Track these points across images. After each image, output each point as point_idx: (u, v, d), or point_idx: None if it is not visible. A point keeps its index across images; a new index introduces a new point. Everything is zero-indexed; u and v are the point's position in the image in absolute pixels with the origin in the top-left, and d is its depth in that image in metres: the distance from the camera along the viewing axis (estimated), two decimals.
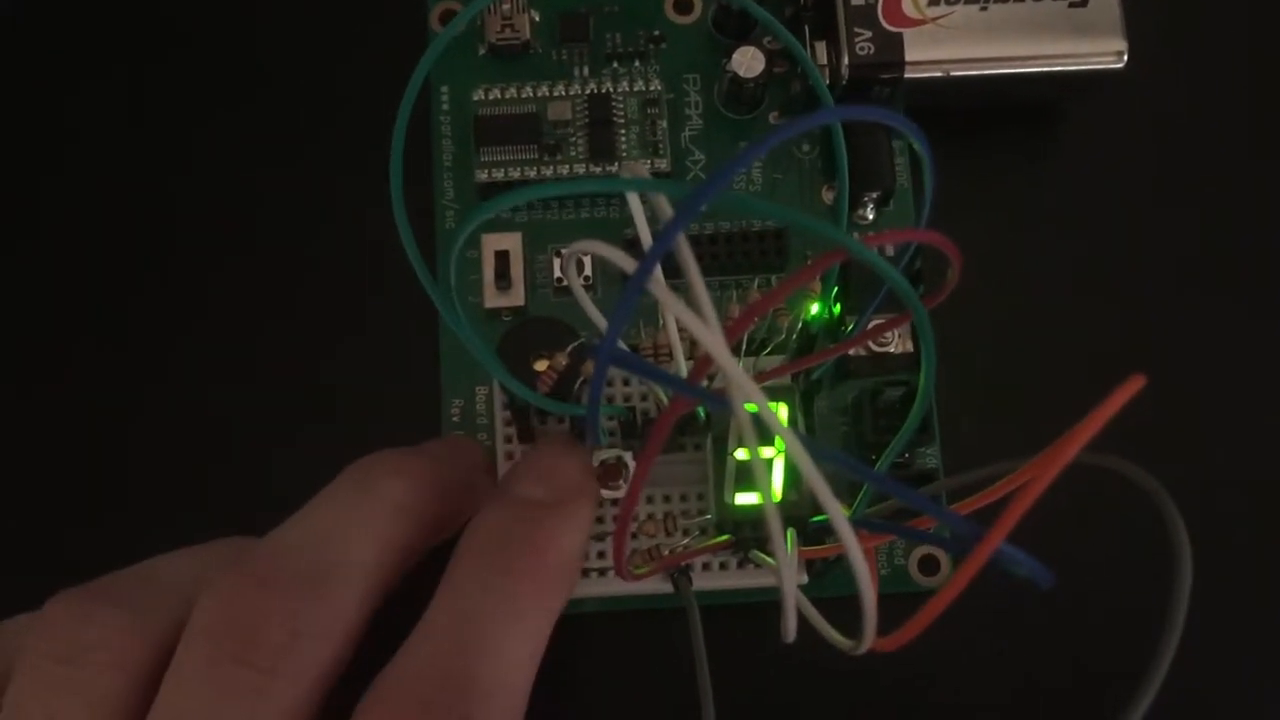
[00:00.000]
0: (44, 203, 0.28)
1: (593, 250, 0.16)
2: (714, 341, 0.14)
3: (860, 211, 0.27)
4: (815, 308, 0.26)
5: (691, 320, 0.14)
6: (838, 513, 0.14)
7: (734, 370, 0.14)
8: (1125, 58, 0.26)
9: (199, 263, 0.28)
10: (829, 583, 0.26)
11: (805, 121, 0.15)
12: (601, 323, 0.21)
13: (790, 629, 0.17)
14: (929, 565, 0.26)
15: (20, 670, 0.18)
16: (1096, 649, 0.26)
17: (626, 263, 0.15)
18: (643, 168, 0.16)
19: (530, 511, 0.19)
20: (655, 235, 0.15)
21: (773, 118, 0.28)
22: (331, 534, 0.18)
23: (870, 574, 0.20)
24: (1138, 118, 0.28)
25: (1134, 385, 0.15)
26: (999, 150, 0.28)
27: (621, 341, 0.16)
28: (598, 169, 0.26)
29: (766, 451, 0.24)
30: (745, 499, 0.24)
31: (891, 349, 0.26)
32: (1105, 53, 0.26)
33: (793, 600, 0.16)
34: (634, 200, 0.19)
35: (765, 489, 0.14)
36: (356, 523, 0.19)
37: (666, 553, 0.23)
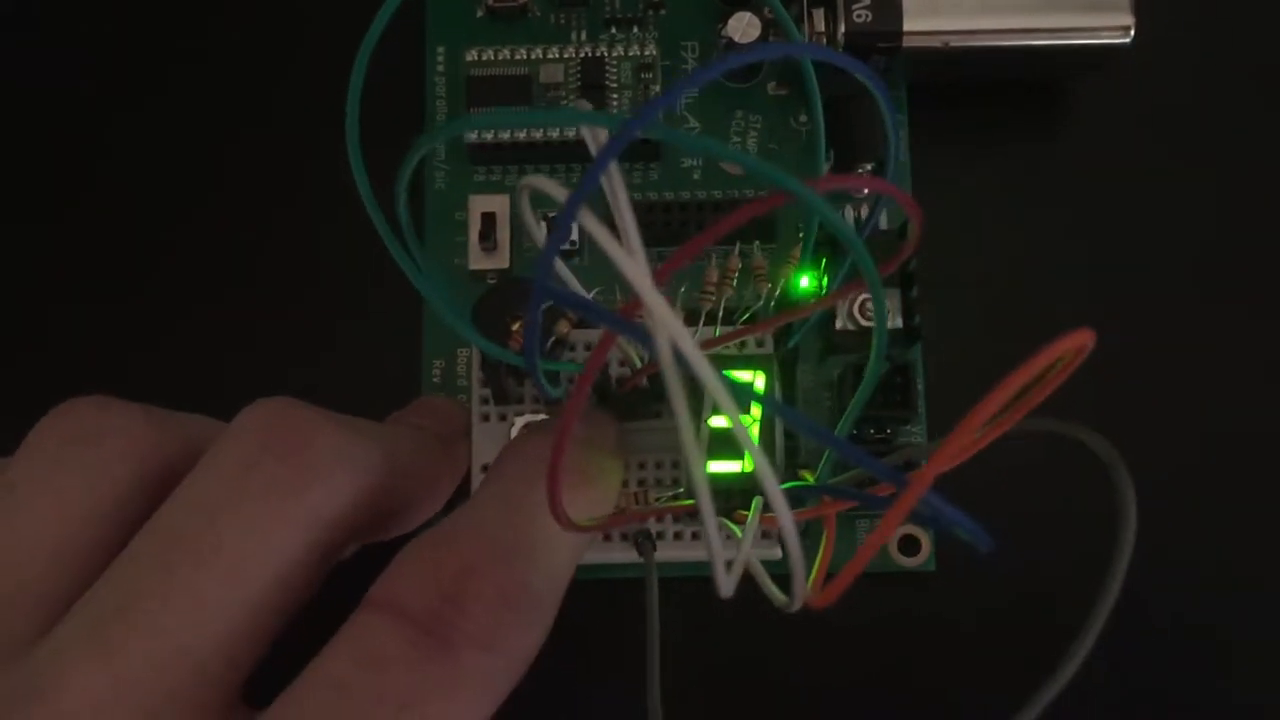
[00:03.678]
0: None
1: (533, 185, 0.15)
2: (635, 270, 0.14)
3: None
4: (805, 280, 0.25)
5: (614, 248, 0.14)
6: (765, 465, 0.14)
7: (655, 301, 0.13)
8: (1132, 33, 0.25)
9: (177, 214, 0.28)
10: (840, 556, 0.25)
11: (749, 54, 0.14)
12: (567, 279, 0.21)
13: (722, 585, 0.16)
14: (910, 546, 0.26)
15: (26, 446, 0.17)
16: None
17: (559, 193, 0.15)
18: (586, 104, 0.16)
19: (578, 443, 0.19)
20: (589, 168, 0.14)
21: (771, 88, 0.28)
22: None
23: (828, 540, 0.20)
24: (1147, 96, 0.28)
25: (1078, 339, 0.14)
26: (1002, 127, 0.28)
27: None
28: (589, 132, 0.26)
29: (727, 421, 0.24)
30: (720, 467, 0.24)
31: None
32: (1112, 27, 0.25)
33: (719, 559, 0.15)
34: (589, 137, 0.19)
35: (690, 452, 0.14)
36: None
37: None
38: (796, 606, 0.16)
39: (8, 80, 0.28)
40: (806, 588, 0.15)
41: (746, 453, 0.23)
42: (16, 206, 0.28)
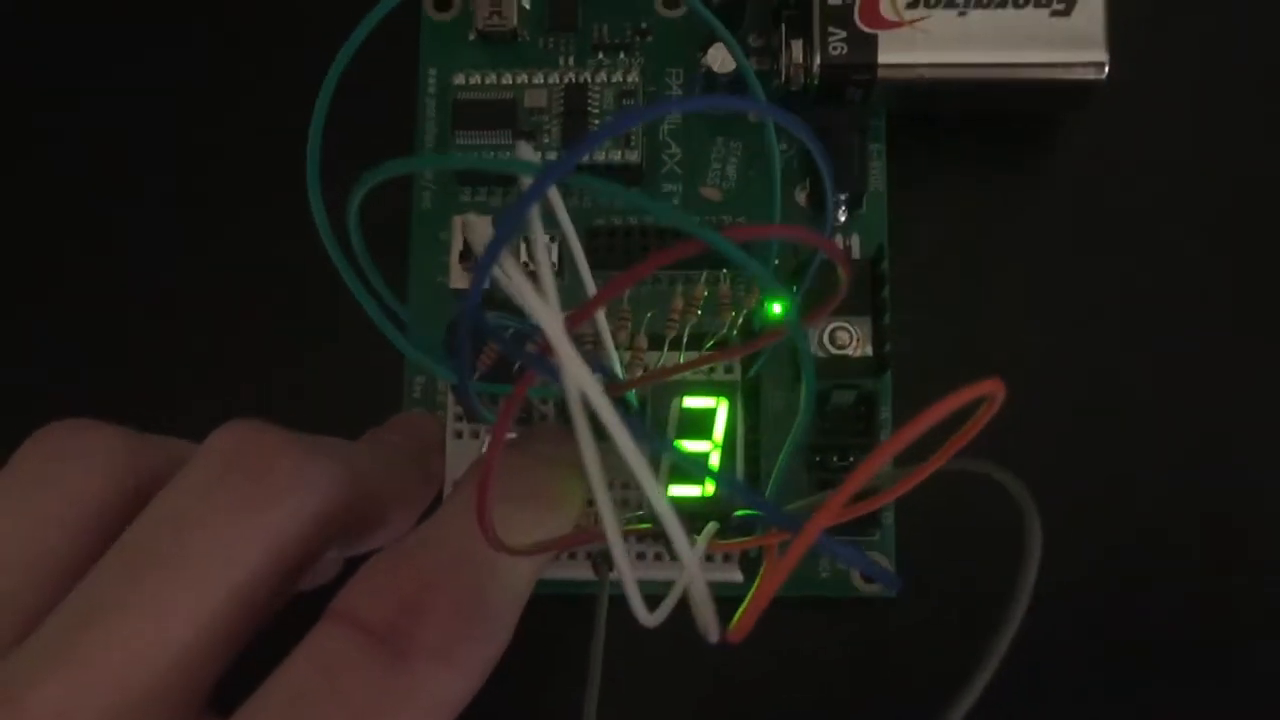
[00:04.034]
0: None
1: (465, 222, 0.16)
2: (547, 317, 0.14)
3: (833, 212, 0.27)
4: (778, 308, 0.26)
5: (527, 293, 0.14)
6: (658, 497, 0.14)
7: (565, 350, 0.14)
8: (1106, 70, 0.25)
9: (163, 222, 0.29)
10: (801, 582, 0.25)
11: (668, 105, 0.15)
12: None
13: (641, 614, 0.17)
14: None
15: (9, 465, 0.18)
16: None
17: (483, 236, 0.15)
18: (528, 149, 0.17)
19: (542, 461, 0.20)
20: (511, 212, 0.15)
21: (753, 115, 0.28)
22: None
23: (765, 571, 0.20)
24: (1126, 130, 0.28)
25: (984, 389, 0.15)
26: (982, 158, 0.28)
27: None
28: None
29: (705, 446, 0.25)
30: (681, 491, 0.25)
31: (849, 352, 0.26)
32: (1085, 63, 0.25)
33: (632, 586, 0.16)
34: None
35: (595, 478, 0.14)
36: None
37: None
38: (711, 639, 0.16)
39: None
40: (711, 620, 0.16)
41: (707, 478, 0.24)
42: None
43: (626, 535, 0.24)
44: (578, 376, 0.14)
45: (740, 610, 0.18)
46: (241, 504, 0.17)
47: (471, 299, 0.15)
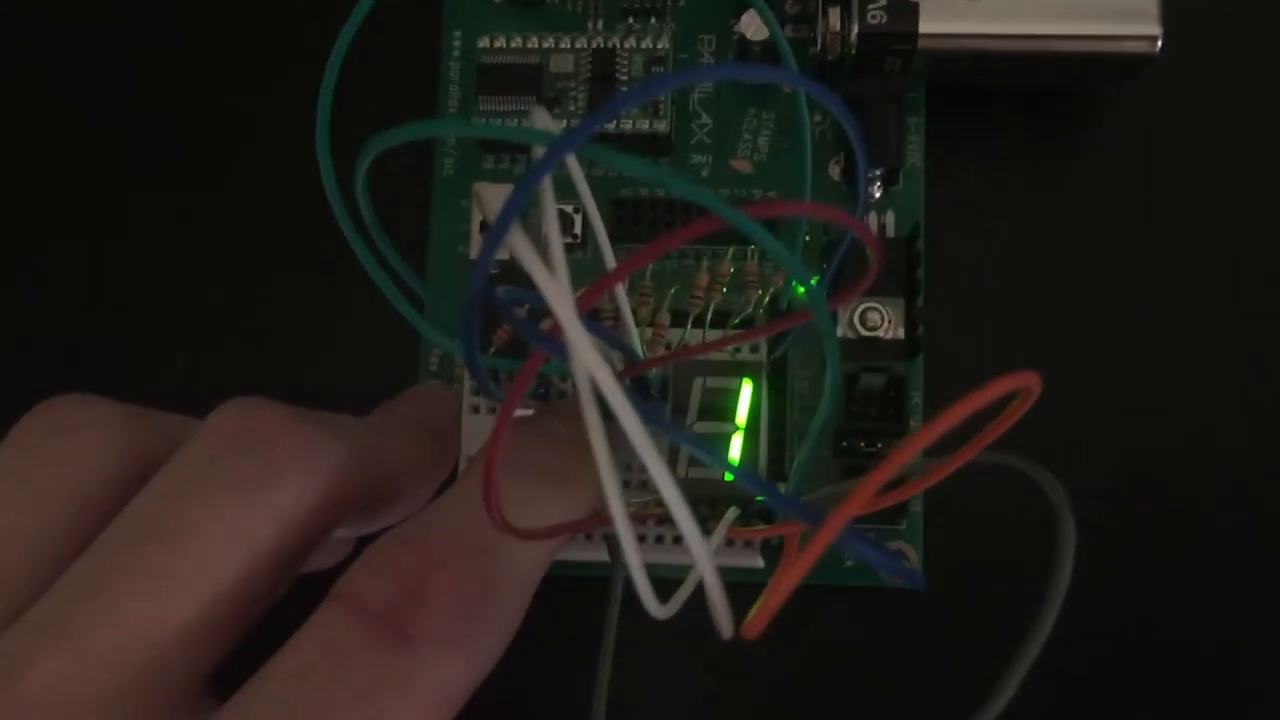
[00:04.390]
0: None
1: (479, 193, 0.15)
2: (557, 297, 0.13)
3: (867, 188, 0.26)
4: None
5: (538, 271, 0.14)
6: (669, 487, 0.13)
7: (575, 333, 0.13)
8: (1159, 43, 0.24)
9: (177, 203, 0.28)
10: (825, 570, 0.25)
11: (693, 74, 0.14)
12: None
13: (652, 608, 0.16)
14: None
15: (8, 440, 0.18)
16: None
17: (494, 207, 0.15)
18: (544, 115, 0.16)
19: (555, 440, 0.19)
20: (520, 187, 0.14)
21: (785, 87, 0.27)
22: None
23: (785, 560, 0.20)
24: (1176, 107, 0.27)
25: (1020, 381, 0.14)
26: (1025, 134, 0.27)
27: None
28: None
29: (728, 428, 0.24)
30: (699, 474, 0.24)
31: (880, 333, 0.25)
32: (1137, 36, 0.24)
33: (641, 576, 0.15)
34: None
35: (603, 470, 0.14)
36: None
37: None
38: (725, 634, 0.16)
39: None
40: (725, 616, 0.15)
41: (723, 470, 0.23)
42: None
43: (645, 518, 0.23)
44: (585, 358, 0.13)
45: (756, 605, 0.17)
46: (244, 482, 0.17)
47: (478, 273, 0.14)
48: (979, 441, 0.16)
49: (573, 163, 0.15)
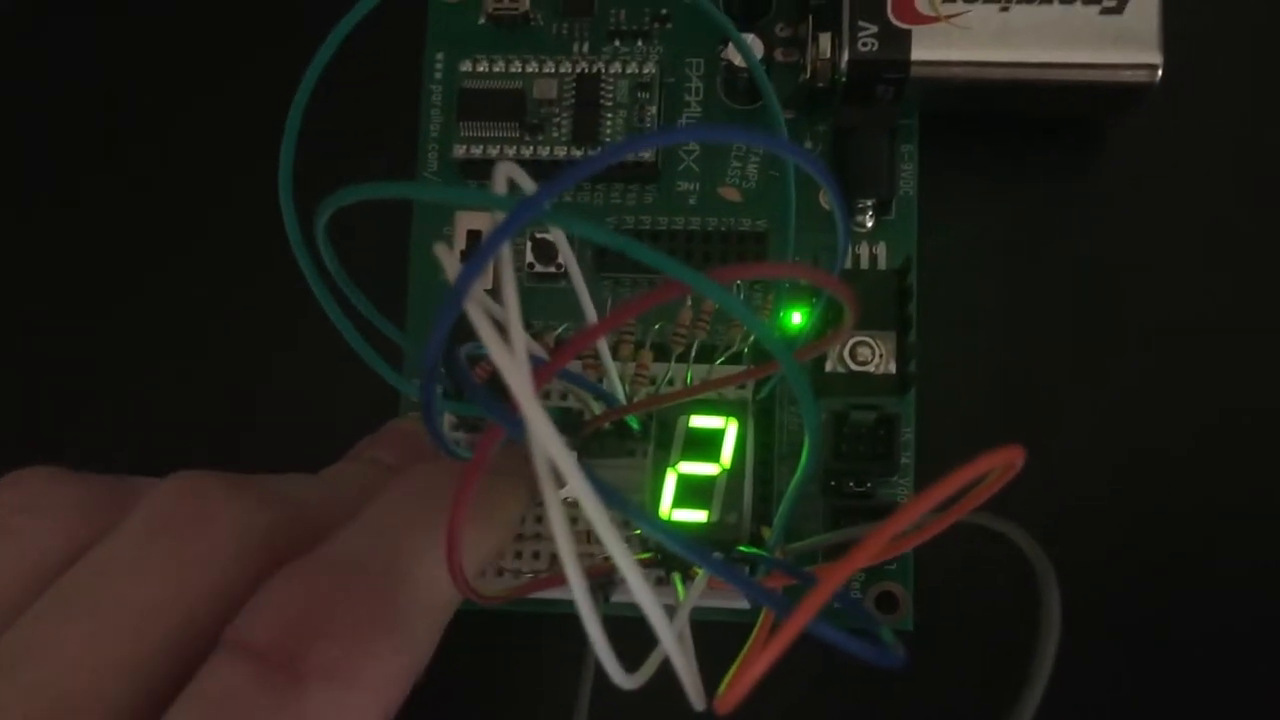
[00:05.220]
0: None
1: (436, 253, 0.15)
2: (515, 375, 0.13)
3: (857, 218, 0.25)
4: (798, 317, 0.24)
5: (496, 348, 0.13)
6: (634, 574, 0.13)
7: (533, 413, 0.13)
8: (1160, 73, 0.23)
9: (170, 226, 0.28)
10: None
11: (632, 144, 0.14)
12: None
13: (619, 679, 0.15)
14: (887, 603, 0.25)
15: None
16: None
17: (452, 271, 0.14)
18: (504, 179, 0.15)
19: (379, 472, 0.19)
20: (474, 256, 0.13)
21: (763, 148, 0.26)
22: None
23: (762, 623, 0.19)
24: (1175, 137, 0.26)
25: (1005, 457, 0.13)
26: (1020, 163, 0.26)
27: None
28: (579, 152, 0.25)
29: (711, 469, 0.23)
30: (684, 516, 0.23)
31: (871, 368, 0.24)
32: (1137, 65, 0.23)
33: (605, 647, 0.14)
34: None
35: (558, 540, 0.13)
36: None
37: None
38: (697, 707, 0.15)
39: None
40: (696, 690, 0.15)
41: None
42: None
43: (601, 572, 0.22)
44: (544, 441, 0.13)
45: (728, 677, 0.17)
46: (178, 555, 0.17)
47: (432, 346, 0.14)
48: (963, 505, 0.16)
49: (504, 257, 0.15)
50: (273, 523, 0.17)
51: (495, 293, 0.14)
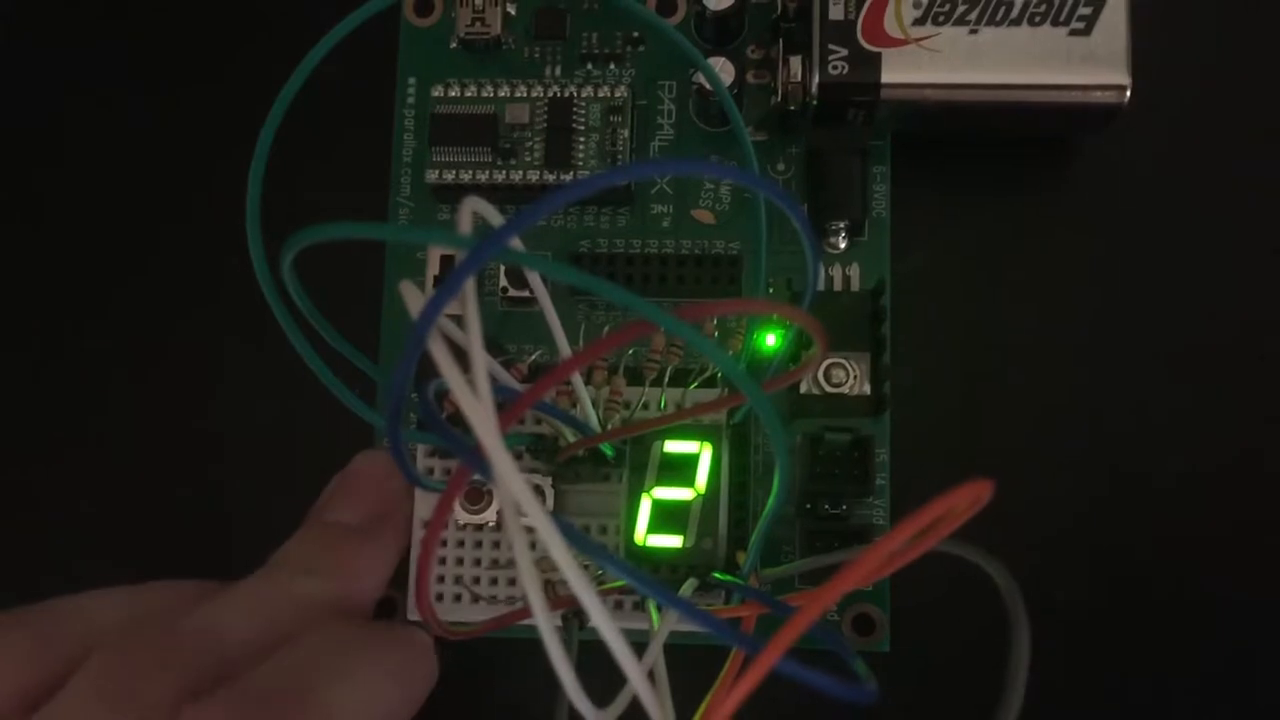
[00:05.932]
0: None
1: (402, 292, 0.15)
2: (481, 421, 0.13)
3: (830, 240, 0.25)
4: (772, 339, 0.24)
5: (462, 394, 0.13)
6: (601, 618, 0.13)
7: (499, 457, 0.13)
8: (1128, 94, 0.24)
9: (146, 236, 0.28)
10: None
11: (601, 179, 0.14)
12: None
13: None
14: (864, 624, 0.25)
15: None
16: None
17: (415, 308, 0.14)
18: (468, 218, 0.15)
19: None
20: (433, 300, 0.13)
21: (750, 133, 0.26)
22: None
23: (733, 692, 0.19)
24: (1145, 157, 0.26)
25: (972, 493, 0.13)
26: (992, 182, 0.26)
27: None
28: (551, 176, 0.25)
29: (686, 493, 0.23)
30: (659, 541, 0.23)
31: (846, 390, 0.24)
32: (1106, 86, 0.24)
33: (574, 685, 0.14)
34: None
35: (522, 571, 0.13)
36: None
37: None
38: None
39: None
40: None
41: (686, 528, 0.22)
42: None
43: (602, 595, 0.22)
44: (510, 483, 0.13)
45: (696, 717, 0.17)
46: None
47: (396, 387, 0.14)
48: (934, 534, 0.16)
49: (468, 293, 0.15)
50: (198, 682, 0.18)
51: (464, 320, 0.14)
